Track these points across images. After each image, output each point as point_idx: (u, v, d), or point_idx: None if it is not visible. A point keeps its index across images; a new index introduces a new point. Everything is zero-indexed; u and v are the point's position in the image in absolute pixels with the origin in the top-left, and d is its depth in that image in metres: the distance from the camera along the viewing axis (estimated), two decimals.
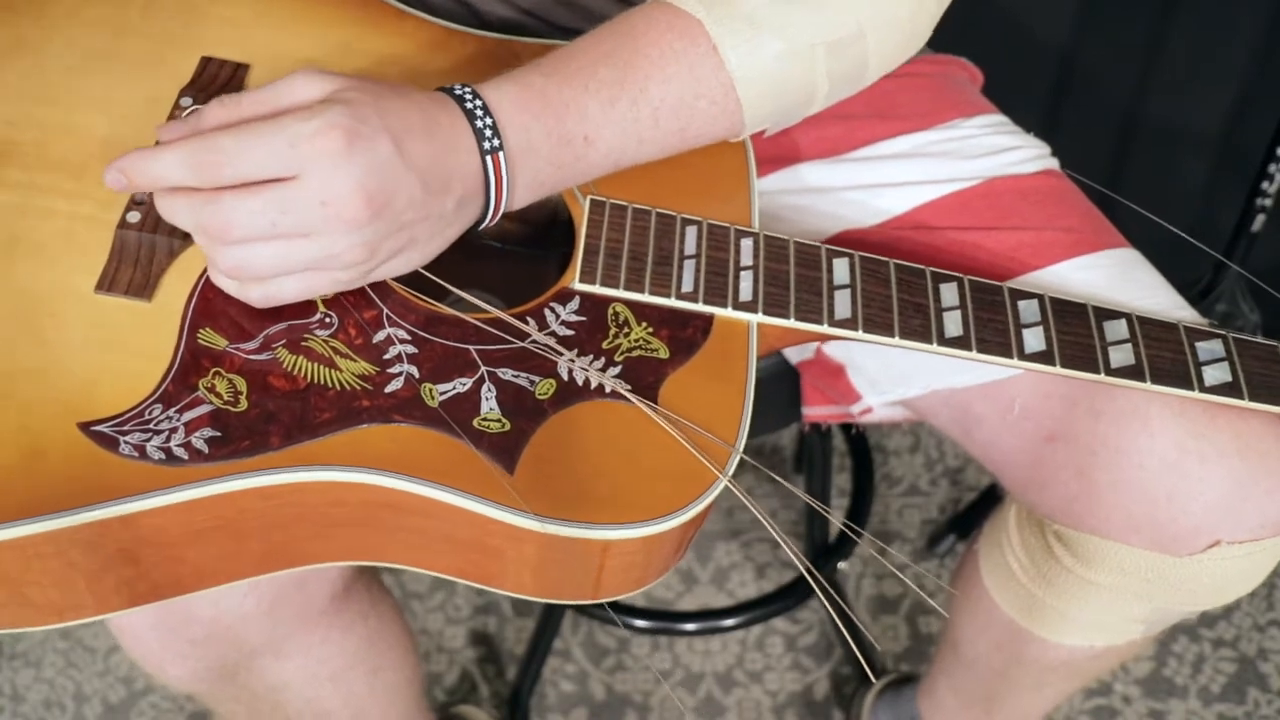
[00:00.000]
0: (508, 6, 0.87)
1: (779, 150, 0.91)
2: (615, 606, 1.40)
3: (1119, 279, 0.84)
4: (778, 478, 0.80)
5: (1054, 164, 0.92)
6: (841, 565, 1.51)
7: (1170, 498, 0.78)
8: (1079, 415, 0.80)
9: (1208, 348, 0.76)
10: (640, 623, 1.43)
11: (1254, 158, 1.33)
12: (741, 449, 0.69)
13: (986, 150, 0.90)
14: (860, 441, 1.54)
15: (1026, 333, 0.75)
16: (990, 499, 1.50)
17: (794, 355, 0.99)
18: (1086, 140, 1.54)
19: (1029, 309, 0.76)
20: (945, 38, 0.86)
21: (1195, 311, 0.83)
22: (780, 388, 1.02)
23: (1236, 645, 1.46)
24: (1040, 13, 1.46)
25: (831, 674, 1.46)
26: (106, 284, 0.70)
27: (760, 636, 1.49)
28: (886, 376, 0.91)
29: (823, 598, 0.79)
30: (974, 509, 1.53)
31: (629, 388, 0.70)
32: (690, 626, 1.44)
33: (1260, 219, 1.35)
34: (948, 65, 1.00)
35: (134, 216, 0.72)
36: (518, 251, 0.90)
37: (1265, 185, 1.33)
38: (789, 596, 1.44)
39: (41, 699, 1.45)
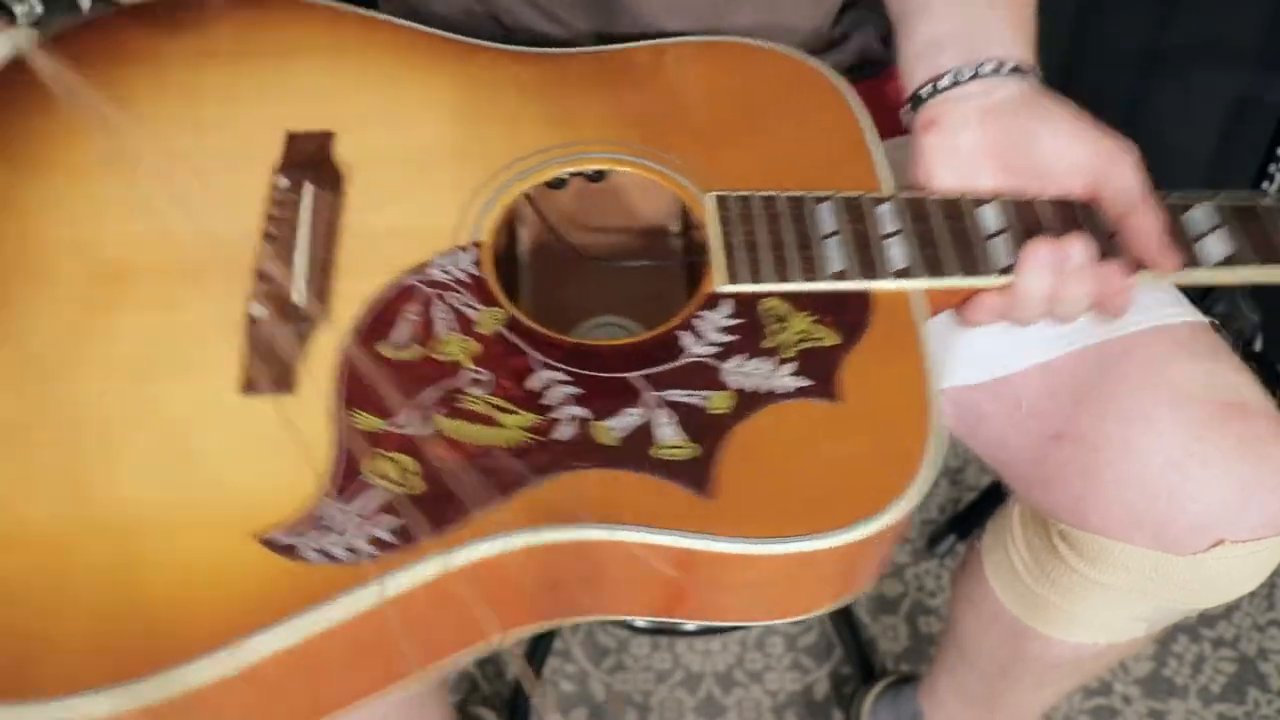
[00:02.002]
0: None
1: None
2: None
3: None
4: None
5: None
6: None
7: (1172, 496, 0.78)
8: (1085, 414, 0.80)
9: (1197, 217, 0.70)
10: (640, 623, 1.42)
11: (1254, 158, 1.33)
12: (940, 426, 0.65)
13: None
14: None
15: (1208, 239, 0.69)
16: (990, 499, 1.51)
17: None
18: None
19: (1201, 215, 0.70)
20: None
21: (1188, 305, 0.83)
22: None
23: (1236, 645, 1.46)
24: (1040, 13, 1.46)
25: (831, 674, 1.46)
26: (250, 384, 0.66)
27: (760, 636, 1.48)
28: None
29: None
30: (974, 509, 1.53)
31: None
32: (690, 626, 1.44)
33: None
34: None
35: (258, 311, 0.68)
36: (630, 268, 0.86)
37: (1265, 185, 1.33)
38: None
39: None
